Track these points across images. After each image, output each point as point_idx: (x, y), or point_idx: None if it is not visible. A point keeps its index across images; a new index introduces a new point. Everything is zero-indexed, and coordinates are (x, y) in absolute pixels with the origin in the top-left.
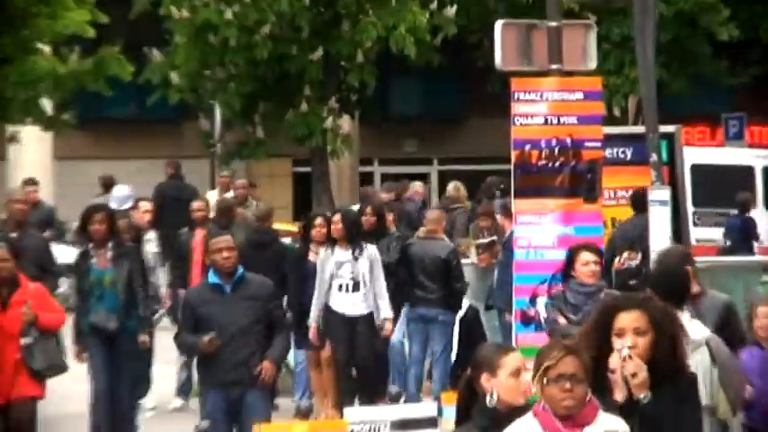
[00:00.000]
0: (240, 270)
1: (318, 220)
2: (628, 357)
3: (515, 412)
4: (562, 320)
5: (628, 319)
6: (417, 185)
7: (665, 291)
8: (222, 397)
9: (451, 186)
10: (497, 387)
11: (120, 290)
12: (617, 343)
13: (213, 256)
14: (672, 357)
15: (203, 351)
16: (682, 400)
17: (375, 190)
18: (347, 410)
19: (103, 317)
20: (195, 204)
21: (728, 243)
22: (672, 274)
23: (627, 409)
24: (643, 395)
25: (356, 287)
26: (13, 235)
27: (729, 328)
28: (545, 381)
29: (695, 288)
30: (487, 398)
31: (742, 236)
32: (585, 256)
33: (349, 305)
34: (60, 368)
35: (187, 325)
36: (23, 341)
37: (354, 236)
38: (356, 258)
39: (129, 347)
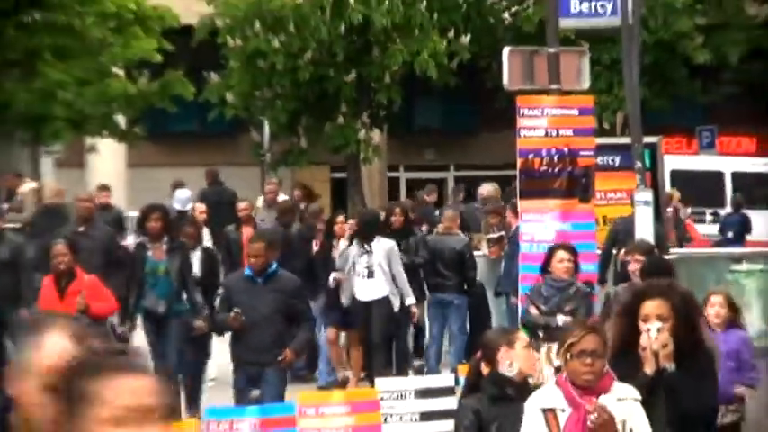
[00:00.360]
0: (273, 267)
1: (340, 218)
2: (659, 330)
3: (524, 385)
4: (534, 310)
5: (652, 306)
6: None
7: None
8: (245, 373)
9: (492, 188)
10: (515, 358)
11: (173, 278)
12: (644, 326)
13: (248, 258)
14: (691, 338)
15: (229, 325)
16: (701, 375)
17: (425, 192)
18: (378, 380)
19: (153, 301)
20: (241, 205)
21: (730, 234)
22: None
23: (656, 381)
24: (669, 365)
25: (371, 275)
26: (81, 229)
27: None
28: (569, 355)
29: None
30: (505, 366)
31: (740, 229)
32: (561, 254)
33: (365, 291)
34: None
35: (222, 307)
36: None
37: (368, 233)
38: (368, 252)
39: (180, 328)
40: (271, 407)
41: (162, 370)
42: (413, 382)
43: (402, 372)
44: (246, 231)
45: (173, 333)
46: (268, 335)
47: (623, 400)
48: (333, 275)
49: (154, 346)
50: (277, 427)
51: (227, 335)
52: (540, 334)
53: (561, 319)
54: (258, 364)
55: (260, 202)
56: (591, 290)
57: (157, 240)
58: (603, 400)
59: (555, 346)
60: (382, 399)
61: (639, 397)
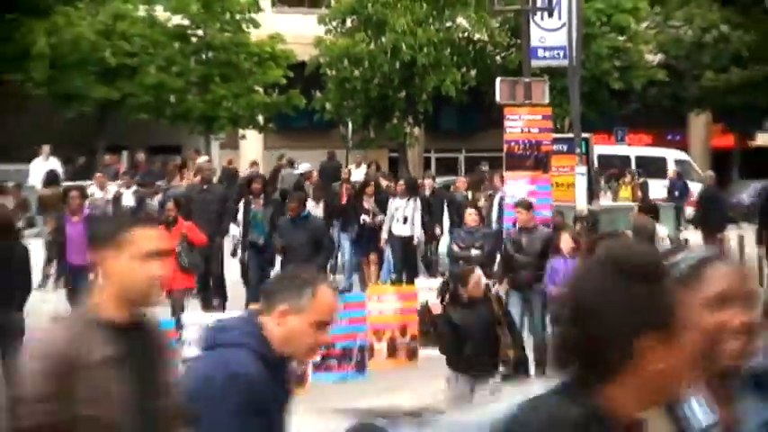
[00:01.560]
0: (306, 212)
1: (371, 183)
2: None
3: (481, 300)
4: (456, 248)
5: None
6: None
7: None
8: None
9: None
10: (468, 289)
11: (265, 222)
12: None
13: (289, 210)
14: None
15: (277, 249)
16: None
17: (481, 166)
18: (417, 280)
19: (255, 236)
20: (344, 171)
21: (677, 194)
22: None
23: None
24: None
25: (405, 221)
26: (205, 187)
27: (550, 249)
28: None
29: (531, 223)
30: (471, 288)
31: (683, 191)
32: (470, 210)
33: (401, 230)
34: (197, 267)
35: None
36: (177, 248)
37: (409, 193)
38: (405, 206)
39: (272, 254)
40: (348, 295)
41: (259, 279)
42: (437, 282)
43: (432, 275)
44: (345, 188)
45: (267, 256)
46: (302, 256)
47: None
48: (363, 217)
49: (254, 268)
50: (354, 308)
51: None
52: (461, 262)
53: (474, 252)
54: None
55: (352, 167)
56: (494, 231)
57: (257, 196)
58: None
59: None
60: (419, 289)
61: None
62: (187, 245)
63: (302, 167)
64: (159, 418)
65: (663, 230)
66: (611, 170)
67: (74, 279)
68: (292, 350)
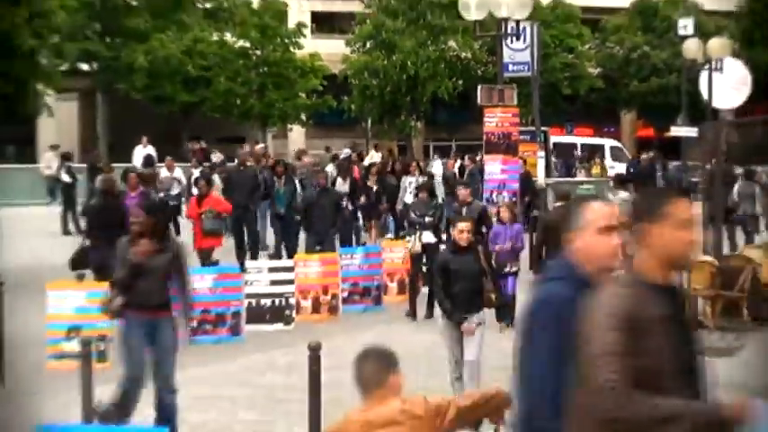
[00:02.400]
0: (327, 186)
1: (375, 166)
2: None
3: (466, 247)
4: (413, 215)
5: None
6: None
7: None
8: (315, 236)
9: None
10: (454, 235)
11: (287, 195)
12: None
13: (317, 183)
14: None
15: (300, 213)
16: None
17: (476, 153)
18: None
19: (277, 208)
20: (353, 155)
21: (632, 170)
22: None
23: None
24: None
25: (415, 195)
26: (242, 168)
27: (485, 220)
28: None
29: (469, 198)
30: (455, 235)
31: (641, 171)
32: (422, 193)
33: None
34: (218, 231)
35: (303, 205)
36: (204, 215)
37: (420, 171)
38: (416, 182)
39: (290, 220)
40: (366, 247)
41: (285, 241)
42: (425, 237)
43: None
44: (350, 169)
45: (287, 223)
46: (326, 219)
47: None
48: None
49: (278, 229)
50: (373, 256)
51: None
52: (417, 227)
53: (427, 219)
54: (323, 233)
55: (372, 152)
56: (441, 202)
57: (280, 177)
58: None
59: (425, 232)
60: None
61: None
62: (211, 213)
63: (344, 153)
64: (695, 367)
65: (625, 194)
66: (583, 154)
67: None
68: (600, 264)
